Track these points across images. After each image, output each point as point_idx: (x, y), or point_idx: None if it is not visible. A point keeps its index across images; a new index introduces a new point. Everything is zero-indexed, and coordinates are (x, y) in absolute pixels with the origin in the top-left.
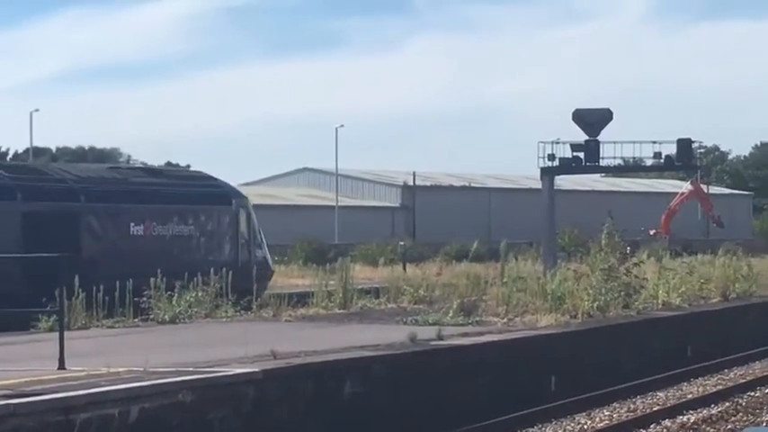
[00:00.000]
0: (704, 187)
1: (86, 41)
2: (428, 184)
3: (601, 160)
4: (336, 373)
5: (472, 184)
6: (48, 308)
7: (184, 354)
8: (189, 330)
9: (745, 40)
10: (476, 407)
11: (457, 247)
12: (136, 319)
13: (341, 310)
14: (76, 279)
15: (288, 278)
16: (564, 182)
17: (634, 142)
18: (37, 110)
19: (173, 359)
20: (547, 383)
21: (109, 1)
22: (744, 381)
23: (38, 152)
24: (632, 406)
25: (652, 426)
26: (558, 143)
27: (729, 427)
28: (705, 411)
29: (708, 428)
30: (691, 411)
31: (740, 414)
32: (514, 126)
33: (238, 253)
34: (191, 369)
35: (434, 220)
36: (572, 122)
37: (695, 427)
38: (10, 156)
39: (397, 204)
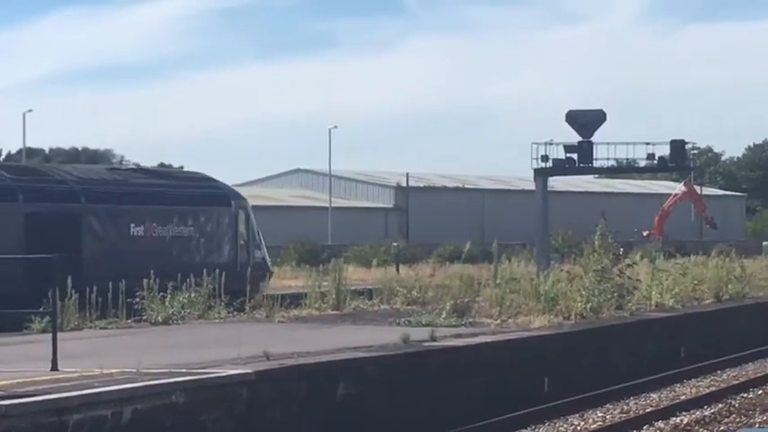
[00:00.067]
0: (697, 188)
1: (79, 42)
2: (421, 185)
3: (594, 161)
4: (329, 375)
5: (465, 186)
6: (41, 309)
7: (177, 355)
8: (182, 331)
9: (738, 41)
10: (469, 408)
11: (450, 249)
12: (129, 320)
13: (334, 312)
14: (73, 280)
15: (281, 279)
16: (557, 183)
17: (627, 143)
18: (30, 110)
19: (165, 360)
20: (540, 385)
21: (102, 2)
22: (737, 382)
23: (31, 153)
24: (625, 407)
25: (645, 427)
26: (551, 144)
27: (722, 428)
28: (698, 413)
29: (701, 430)
30: (684, 413)
31: (733, 415)
32: (508, 127)
33: (237, 254)
34: (184, 370)
35: (428, 221)
36: (565, 124)
37: (688, 428)
38: (3, 156)
39: (391, 205)
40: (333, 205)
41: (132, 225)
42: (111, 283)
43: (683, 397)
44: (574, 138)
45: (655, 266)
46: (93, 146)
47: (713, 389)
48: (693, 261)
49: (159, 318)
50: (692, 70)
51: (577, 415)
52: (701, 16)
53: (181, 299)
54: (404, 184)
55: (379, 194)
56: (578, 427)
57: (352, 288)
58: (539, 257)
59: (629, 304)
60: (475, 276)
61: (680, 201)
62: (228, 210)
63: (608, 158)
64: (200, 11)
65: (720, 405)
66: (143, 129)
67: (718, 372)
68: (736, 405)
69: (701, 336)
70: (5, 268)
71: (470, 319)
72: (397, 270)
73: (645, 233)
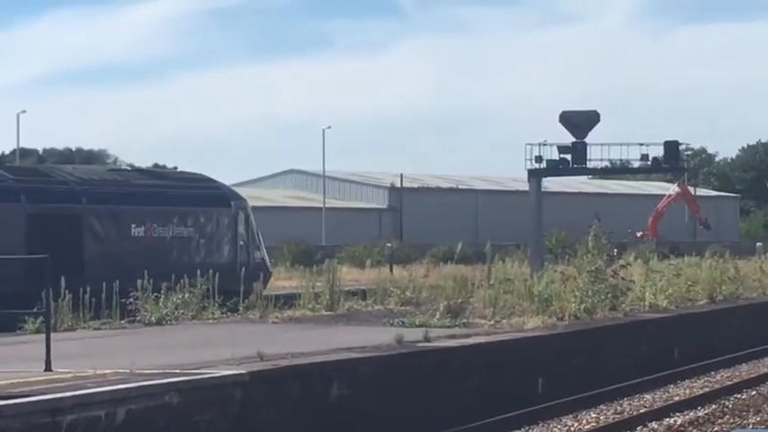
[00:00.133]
0: (691, 189)
1: (72, 43)
2: (415, 185)
3: (588, 162)
4: (323, 375)
5: (459, 186)
6: (34, 309)
7: (171, 355)
8: (175, 332)
9: (732, 42)
10: (463, 409)
11: (444, 249)
12: (122, 321)
13: (328, 312)
14: (74, 280)
15: (275, 280)
16: (551, 184)
17: (621, 144)
18: (24, 111)
19: (159, 361)
20: (534, 385)
21: (95, 3)
22: (730, 383)
23: (24, 153)
24: (619, 408)
25: (639, 428)
26: (545, 145)
27: (716, 429)
28: (692, 413)
29: (694, 431)
30: (677, 413)
31: (727, 416)
32: (502, 128)
33: (237, 254)
34: (177, 371)
35: (422, 221)
36: (559, 124)
37: (682, 429)
38: None
39: (385, 206)
40: (326, 206)
41: (133, 226)
42: (112, 284)
43: (676, 398)
44: (568, 138)
45: (648, 267)
46: (86, 146)
47: (707, 390)
48: (687, 262)
49: (153, 318)
50: (685, 71)
51: (571, 416)
52: (694, 17)
53: (175, 299)
54: (398, 185)
55: (373, 195)
56: (572, 428)
57: (346, 289)
58: (532, 258)
59: (623, 305)
60: (469, 277)
61: (674, 202)
62: (228, 210)
63: (602, 159)
64: (194, 11)
65: (714, 406)
66: (136, 129)
67: (712, 373)
68: (730, 406)
69: (695, 337)
70: (5, 268)
71: (464, 320)
72: (391, 271)
73: (639, 234)
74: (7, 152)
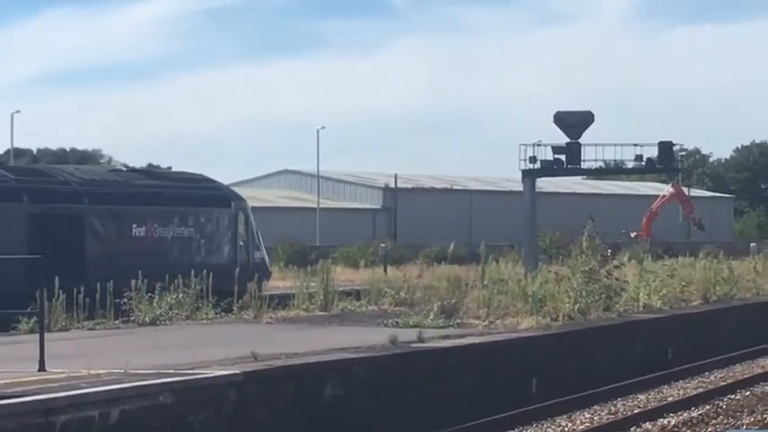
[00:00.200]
0: (685, 190)
1: (67, 43)
2: (409, 186)
3: (582, 163)
4: (317, 375)
5: (454, 187)
6: (28, 309)
7: (165, 356)
8: (169, 332)
9: (726, 43)
10: (456, 409)
11: (437, 250)
12: (116, 321)
13: (322, 312)
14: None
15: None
16: (545, 184)
17: (615, 145)
18: (18, 111)
19: (153, 361)
20: (527, 386)
21: (90, 3)
22: (724, 383)
23: (18, 153)
24: (613, 408)
25: (632, 428)
26: (539, 145)
27: (710, 429)
28: (686, 414)
29: (688, 431)
30: (671, 414)
31: (721, 417)
32: (496, 128)
33: (237, 254)
34: (171, 371)
35: (416, 222)
36: (553, 125)
37: (676, 429)
38: None
39: (379, 206)
40: (321, 206)
41: (134, 226)
42: (114, 284)
43: (670, 398)
44: (562, 139)
45: (642, 268)
46: (81, 146)
47: (701, 390)
48: (681, 262)
49: (147, 318)
50: (680, 71)
51: (565, 416)
52: (688, 18)
53: (168, 299)
54: (392, 185)
55: (367, 195)
56: (566, 429)
57: (340, 289)
58: (526, 258)
59: (617, 305)
60: (462, 277)
61: (668, 202)
62: (228, 211)
63: (596, 160)
64: (188, 11)
65: (708, 406)
66: (131, 129)
67: (706, 373)
68: (724, 406)
69: (689, 337)
70: (4, 269)
71: (458, 321)
72: (385, 271)
73: (633, 234)
74: (1, 152)
